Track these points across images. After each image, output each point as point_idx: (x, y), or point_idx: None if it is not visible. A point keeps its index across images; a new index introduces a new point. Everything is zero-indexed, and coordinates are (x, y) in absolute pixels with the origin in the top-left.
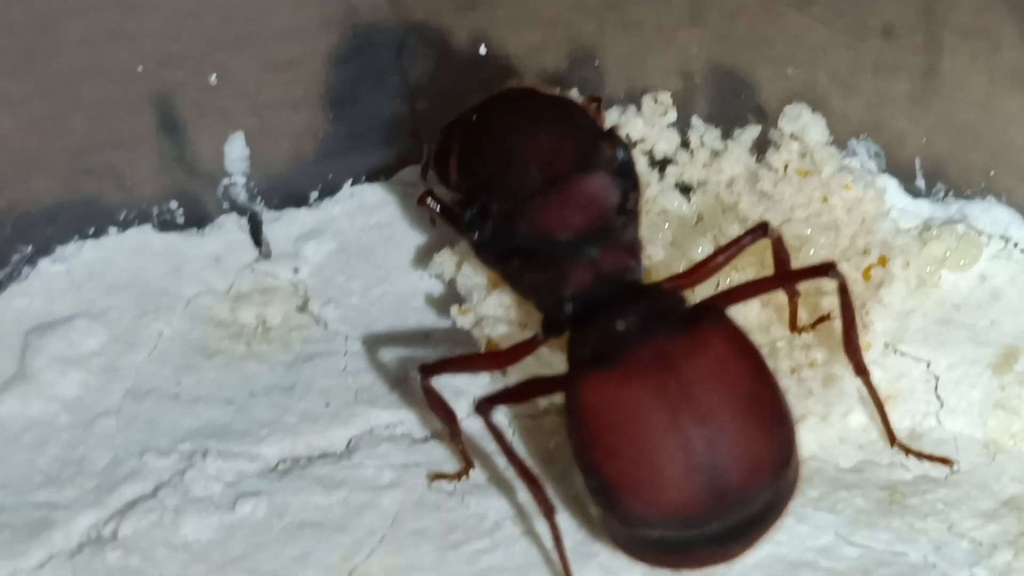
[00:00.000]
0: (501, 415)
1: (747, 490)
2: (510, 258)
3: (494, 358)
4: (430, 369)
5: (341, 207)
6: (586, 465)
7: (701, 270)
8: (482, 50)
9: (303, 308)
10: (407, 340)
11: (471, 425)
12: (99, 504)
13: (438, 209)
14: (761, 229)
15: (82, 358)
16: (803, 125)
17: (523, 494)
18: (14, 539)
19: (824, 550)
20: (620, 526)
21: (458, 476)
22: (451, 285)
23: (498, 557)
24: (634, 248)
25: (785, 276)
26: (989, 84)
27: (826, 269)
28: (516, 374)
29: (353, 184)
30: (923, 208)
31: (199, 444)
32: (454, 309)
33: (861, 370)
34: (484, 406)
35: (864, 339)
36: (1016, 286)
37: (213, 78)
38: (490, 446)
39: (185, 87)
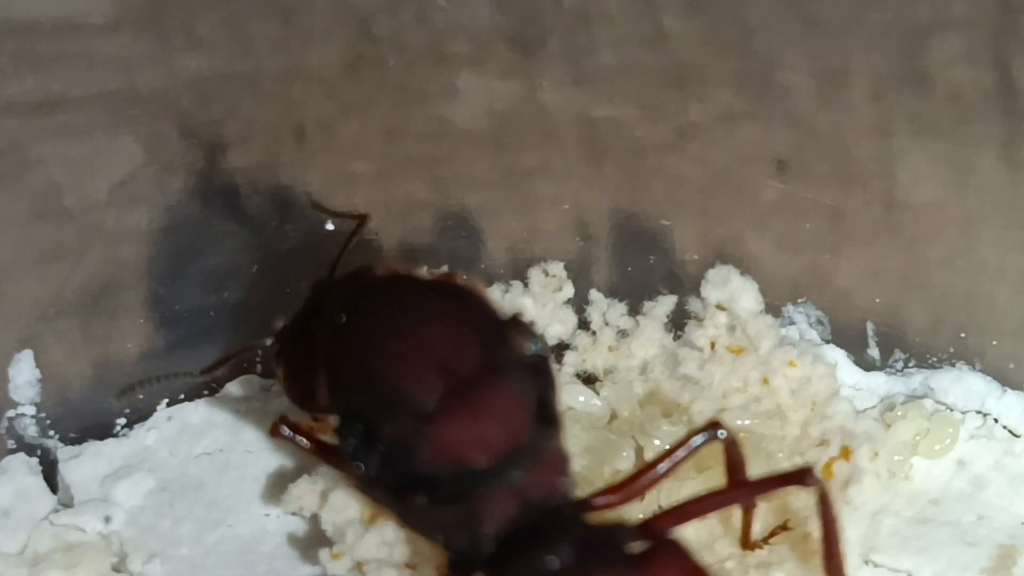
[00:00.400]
0: None
1: None
2: (409, 493)
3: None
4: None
5: (157, 434)
6: None
7: (638, 482)
8: (329, 226)
9: (121, 570)
10: None
11: None
12: None
13: (302, 439)
14: (712, 427)
15: None
16: (731, 292)
17: None
18: None
19: None
20: None
21: None
22: (314, 522)
23: None
24: (561, 463)
25: (750, 487)
26: (956, 225)
27: (802, 476)
28: None
29: (169, 405)
30: (880, 383)
31: None
32: (323, 553)
33: None
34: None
35: None
36: (1002, 471)
37: None
38: None
39: None
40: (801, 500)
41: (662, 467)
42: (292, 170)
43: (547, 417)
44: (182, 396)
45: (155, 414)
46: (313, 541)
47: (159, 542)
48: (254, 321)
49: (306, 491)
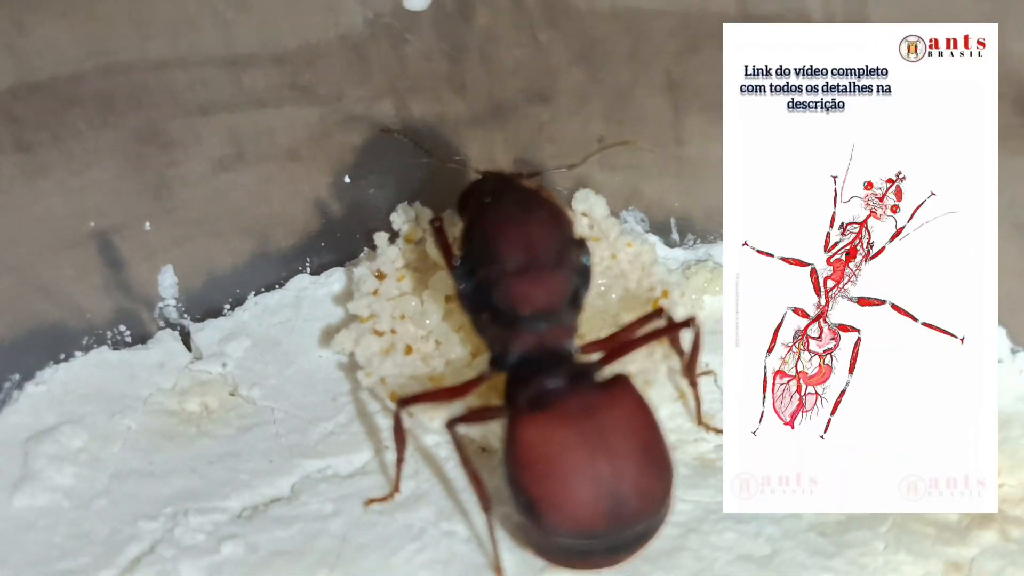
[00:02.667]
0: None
1: (639, 515)
2: (480, 310)
3: (452, 391)
4: (405, 401)
5: (249, 313)
6: (516, 484)
7: (614, 341)
8: (346, 178)
9: (234, 393)
10: (319, 404)
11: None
12: (110, 565)
13: (439, 239)
14: (657, 313)
15: (72, 455)
16: (590, 205)
17: (434, 508)
18: None
19: None
20: (538, 534)
21: (388, 497)
22: (351, 358)
23: (428, 554)
24: (572, 330)
25: (664, 330)
26: (719, 148)
27: (688, 323)
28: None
29: (256, 295)
30: (679, 254)
31: (178, 506)
32: (360, 374)
33: (695, 383)
34: (452, 424)
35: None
36: None
37: (147, 225)
38: (407, 468)
39: (125, 234)
40: None
41: (633, 335)
42: None
43: (576, 303)
44: (263, 288)
45: (247, 301)
46: (351, 369)
47: (255, 376)
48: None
49: (345, 338)
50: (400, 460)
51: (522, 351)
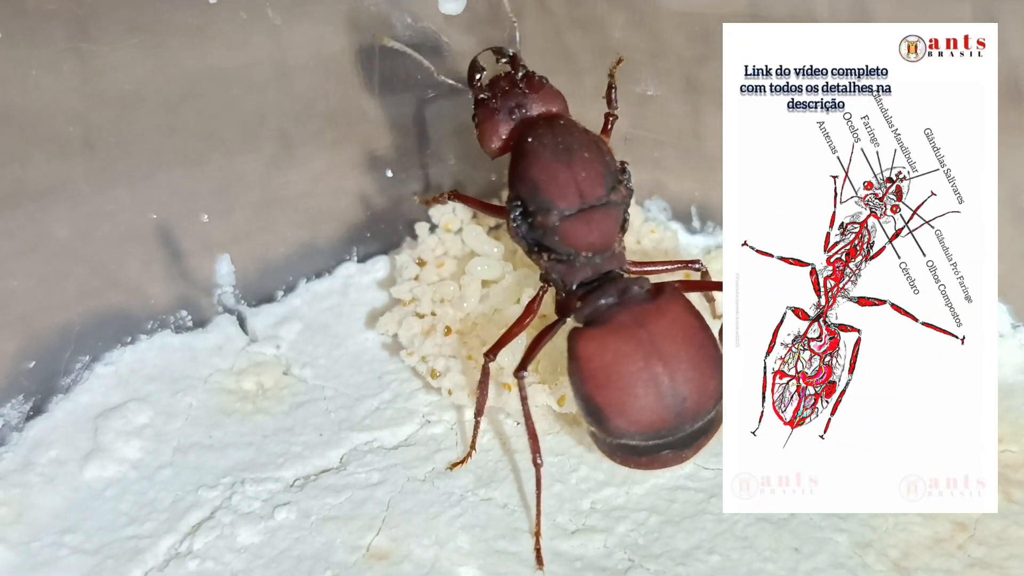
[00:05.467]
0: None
1: (699, 411)
2: (541, 252)
3: (521, 320)
4: (490, 351)
5: (300, 299)
6: (583, 396)
7: (644, 266)
8: (388, 173)
9: (287, 373)
10: (365, 382)
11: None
12: (173, 530)
13: (470, 201)
14: (697, 264)
15: (138, 430)
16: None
17: (473, 477)
18: (116, 565)
19: (689, 476)
20: (607, 438)
21: (466, 458)
22: (395, 339)
23: (467, 518)
24: (623, 254)
25: (675, 264)
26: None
27: (696, 263)
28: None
29: (307, 282)
30: (700, 240)
31: (236, 476)
32: (403, 353)
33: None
34: (519, 372)
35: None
36: None
37: (205, 217)
38: (447, 441)
39: (185, 227)
40: None
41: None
42: None
43: (624, 227)
44: (313, 276)
45: (298, 287)
46: (394, 349)
47: (307, 357)
48: None
49: (389, 320)
50: (479, 413)
51: (581, 280)
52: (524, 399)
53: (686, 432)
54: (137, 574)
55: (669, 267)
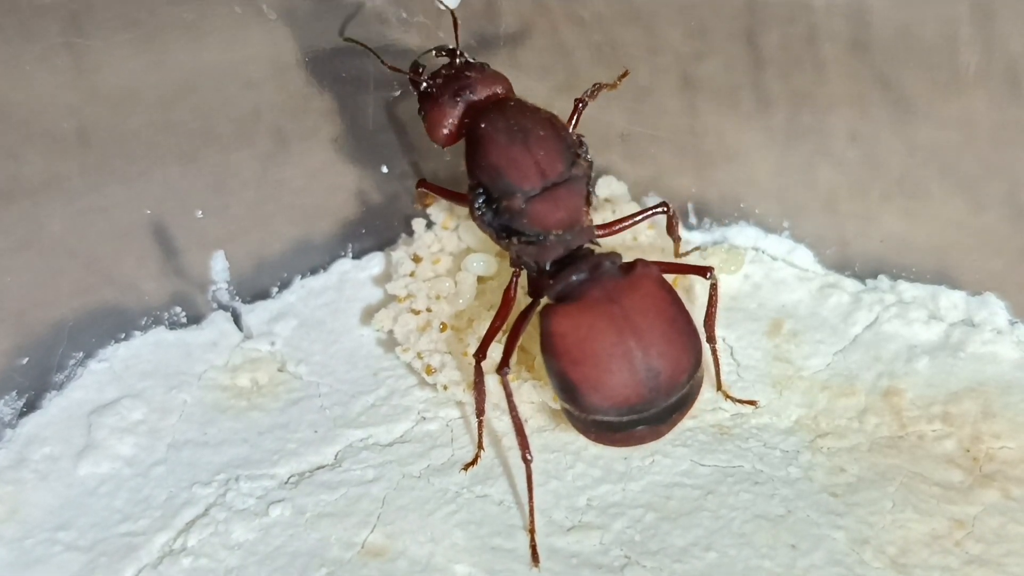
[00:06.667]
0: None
1: (673, 384)
2: (509, 236)
3: (501, 312)
4: (478, 351)
5: (296, 295)
6: (556, 372)
7: (613, 226)
8: (383, 169)
9: (282, 369)
10: (360, 378)
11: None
12: (167, 527)
13: (439, 190)
14: (663, 206)
15: (132, 426)
16: (612, 190)
17: (468, 473)
18: (110, 563)
19: (685, 472)
20: (581, 415)
21: (475, 460)
22: (390, 335)
23: (462, 515)
24: (591, 227)
25: (677, 266)
26: (733, 139)
27: (704, 271)
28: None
29: (302, 279)
30: (697, 236)
31: (231, 473)
32: (398, 349)
33: (713, 339)
34: (502, 369)
35: None
36: (769, 279)
37: (199, 213)
38: (442, 437)
39: (180, 223)
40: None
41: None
42: None
43: (589, 200)
44: (308, 273)
45: (293, 284)
46: (390, 346)
47: (302, 354)
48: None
49: (384, 317)
50: (480, 413)
51: (552, 259)
52: (509, 395)
53: (660, 407)
54: (131, 571)
55: (636, 220)
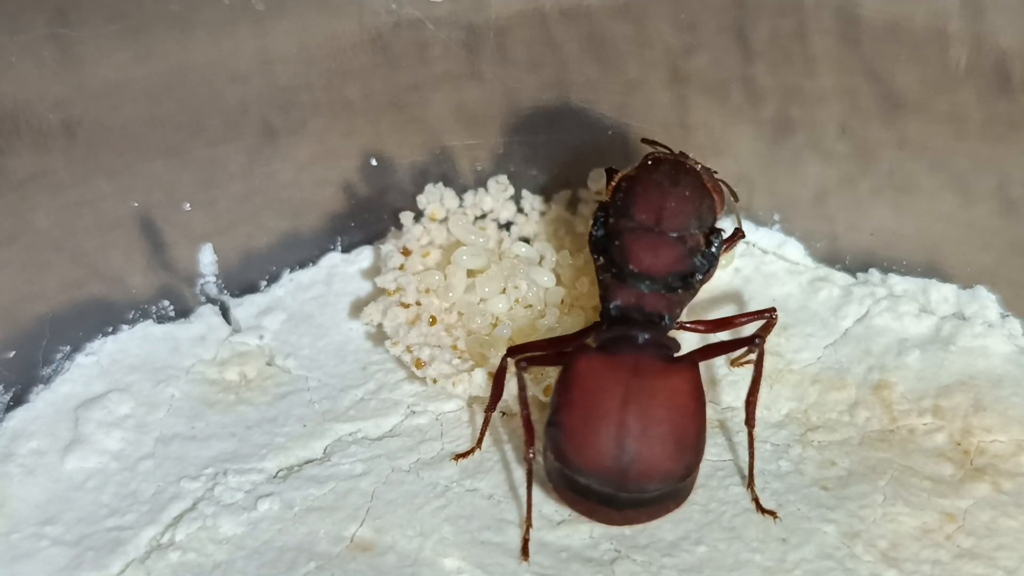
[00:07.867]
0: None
1: (641, 478)
2: (601, 254)
3: (561, 343)
4: (519, 352)
5: (284, 289)
6: (554, 407)
7: (712, 324)
8: (372, 162)
9: (271, 363)
10: (349, 372)
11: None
12: (155, 521)
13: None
14: (769, 311)
15: (119, 420)
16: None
17: (458, 468)
18: (97, 557)
19: None
20: (552, 459)
21: (471, 451)
22: (379, 328)
23: (452, 509)
24: (674, 304)
25: (731, 343)
26: (722, 132)
27: (751, 341)
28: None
29: (290, 272)
30: None
31: (219, 467)
32: (387, 343)
33: (752, 422)
34: (520, 362)
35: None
36: (759, 272)
37: (187, 206)
38: (432, 431)
39: (167, 216)
40: None
41: (730, 329)
42: None
43: (688, 282)
44: (297, 266)
45: (282, 277)
46: (379, 339)
47: (290, 347)
48: None
49: (373, 310)
50: (489, 410)
51: (622, 303)
52: (522, 387)
53: (618, 492)
54: (118, 566)
55: (743, 321)
